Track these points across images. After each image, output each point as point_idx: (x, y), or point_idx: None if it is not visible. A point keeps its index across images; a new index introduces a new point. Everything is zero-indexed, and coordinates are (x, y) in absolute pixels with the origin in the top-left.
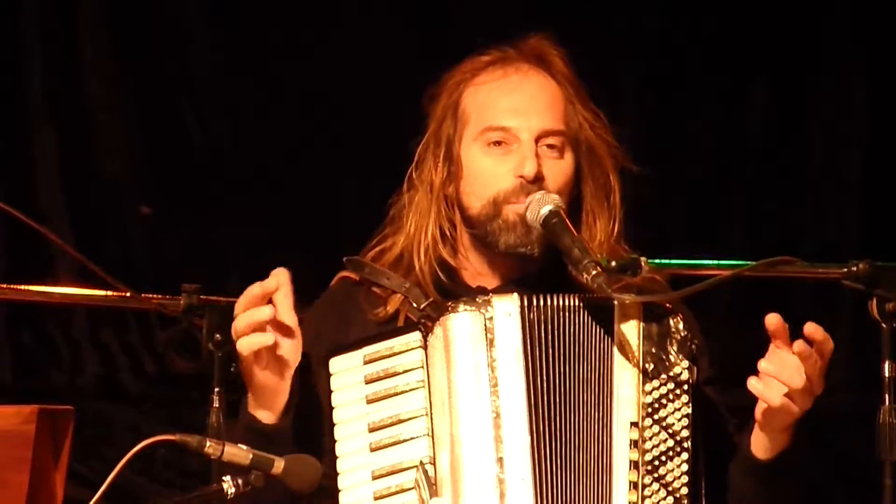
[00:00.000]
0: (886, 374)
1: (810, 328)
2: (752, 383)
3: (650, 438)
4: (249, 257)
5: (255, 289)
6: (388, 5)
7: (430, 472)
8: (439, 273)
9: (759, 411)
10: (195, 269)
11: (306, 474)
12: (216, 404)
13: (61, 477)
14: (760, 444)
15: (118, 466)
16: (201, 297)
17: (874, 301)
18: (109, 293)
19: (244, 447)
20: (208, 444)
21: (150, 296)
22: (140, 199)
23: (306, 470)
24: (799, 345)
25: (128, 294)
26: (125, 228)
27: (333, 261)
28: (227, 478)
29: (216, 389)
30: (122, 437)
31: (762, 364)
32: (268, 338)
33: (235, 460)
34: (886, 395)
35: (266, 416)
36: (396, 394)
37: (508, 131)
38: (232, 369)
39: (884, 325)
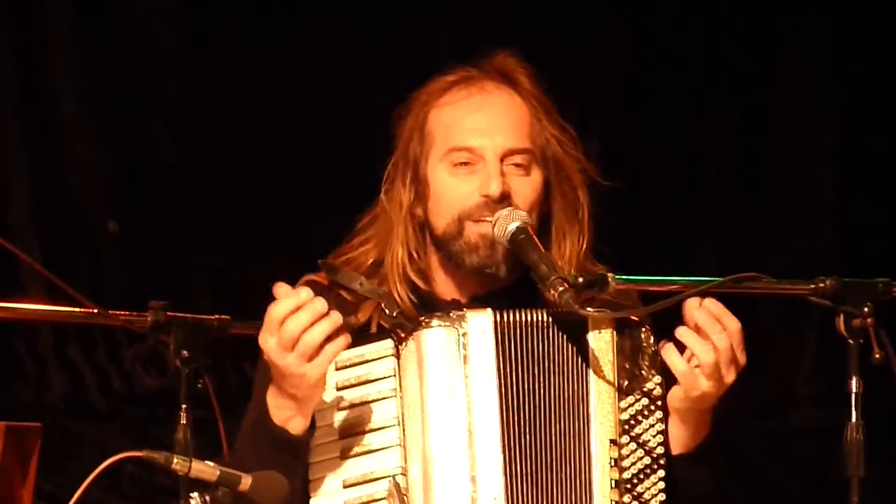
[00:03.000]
0: (853, 391)
1: (707, 302)
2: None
3: (628, 456)
4: (216, 274)
5: (293, 304)
6: (359, 21)
7: (402, 484)
8: (409, 294)
9: (675, 399)
10: (162, 286)
11: (273, 491)
12: (183, 421)
13: (28, 494)
14: (678, 439)
15: (85, 483)
16: (168, 313)
17: (841, 317)
18: (76, 310)
19: (211, 464)
20: (175, 460)
21: (117, 312)
22: (108, 215)
23: (273, 486)
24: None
25: (94, 310)
26: (92, 245)
27: (304, 275)
28: (195, 494)
29: (183, 406)
30: (89, 454)
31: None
32: (340, 341)
33: (203, 476)
34: (853, 412)
35: (298, 425)
36: (368, 402)
37: (473, 151)
38: (199, 386)
39: (850, 342)
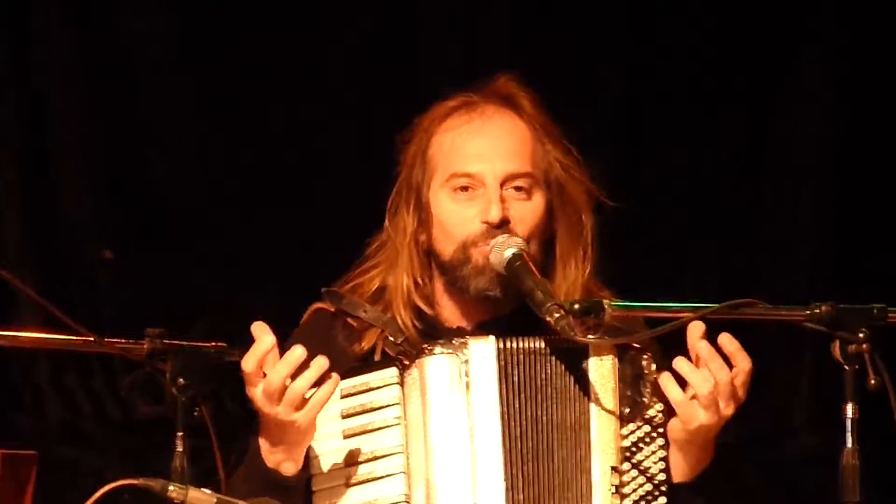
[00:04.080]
0: (849, 416)
1: (723, 338)
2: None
3: (630, 483)
4: (214, 301)
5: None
6: (354, 43)
7: None
8: (414, 320)
9: (674, 430)
10: (159, 313)
11: None
12: (179, 449)
13: None
14: (678, 468)
15: None
16: (165, 341)
17: (836, 343)
18: (73, 338)
19: (207, 491)
20: (172, 488)
21: (114, 340)
22: (103, 243)
23: None
24: (700, 347)
25: (91, 338)
26: (88, 273)
27: (301, 303)
28: None
29: (179, 434)
30: (86, 482)
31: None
32: (326, 391)
33: None
34: (849, 437)
35: (290, 468)
36: (373, 430)
37: (473, 177)
38: (195, 413)
39: (846, 367)
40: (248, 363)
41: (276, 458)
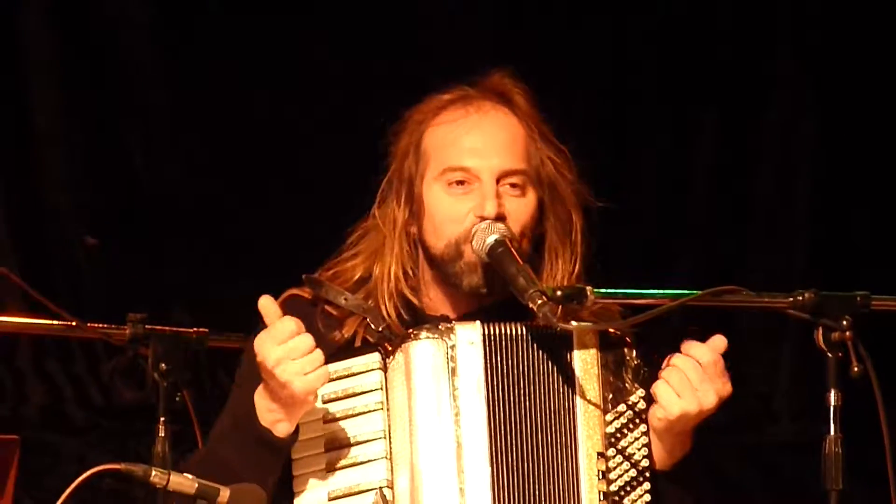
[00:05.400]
0: (832, 404)
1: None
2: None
3: (615, 468)
4: (194, 287)
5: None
6: (340, 35)
7: (389, 496)
8: (401, 310)
9: (653, 418)
10: (140, 299)
11: (252, 503)
12: (161, 434)
13: None
14: (656, 456)
15: (63, 496)
16: (147, 326)
17: (819, 330)
18: (54, 322)
19: (189, 476)
20: (154, 473)
21: (96, 325)
22: (86, 229)
23: (251, 499)
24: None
25: (73, 323)
26: (70, 258)
27: (281, 291)
28: None
29: (161, 419)
30: (68, 467)
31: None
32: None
33: (181, 489)
34: (832, 425)
35: (284, 428)
36: (354, 415)
37: (469, 171)
38: (177, 399)
39: (829, 355)
40: (290, 325)
41: (272, 417)
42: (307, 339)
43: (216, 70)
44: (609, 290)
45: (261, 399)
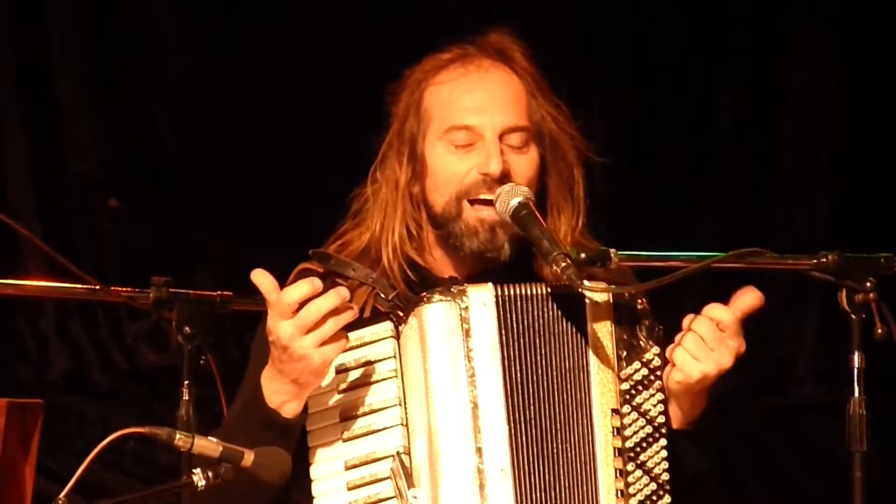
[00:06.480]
0: (856, 366)
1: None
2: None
3: (630, 425)
4: (218, 251)
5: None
6: (371, 7)
7: (406, 462)
8: (407, 270)
9: (669, 379)
10: (164, 262)
11: (276, 466)
12: (185, 397)
13: (31, 470)
14: (673, 416)
15: (88, 459)
16: (171, 289)
17: (843, 292)
18: (78, 286)
19: (213, 440)
20: (178, 436)
21: (119, 289)
22: (109, 193)
23: (276, 462)
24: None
25: (97, 287)
26: (94, 222)
27: (302, 255)
28: (197, 470)
29: (185, 382)
30: (92, 431)
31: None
32: (339, 341)
33: (205, 453)
34: (856, 387)
35: (292, 408)
36: (368, 384)
37: (472, 129)
38: (201, 362)
39: (853, 317)
40: (292, 295)
41: (279, 398)
42: (316, 307)
43: (238, 36)
44: (633, 252)
45: (268, 381)
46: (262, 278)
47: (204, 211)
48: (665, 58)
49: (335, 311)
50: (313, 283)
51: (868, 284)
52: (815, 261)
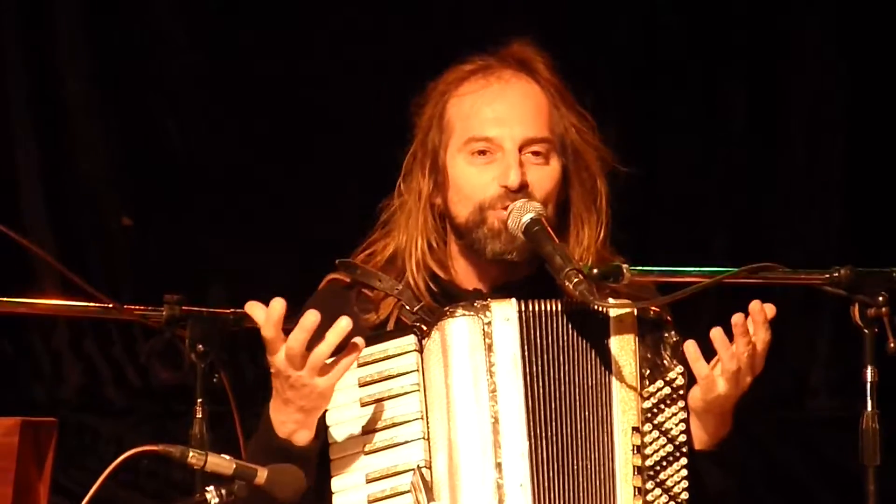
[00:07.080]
0: (868, 380)
1: (754, 306)
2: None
3: (651, 444)
4: (231, 267)
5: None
6: (371, 7)
7: (427, 476)
8: (430, 283)
9: (693, 399)
10: (177, 280)
11: (289, 484)
12: (199, 415)
13: (45, 489)
14: (697, 437)
15: (102, 477)
16: (183, 307)
17: (856, 307)
18: (92, 304)
19: (227, 457)
20: (191, 454)
21: (133, 307)
22: (122, 210)
23: (289, 480)
24: (738, 324)
25: (110, 305)
26: (107, 240)
27: (318, 268)
28: (211, 488)
29: (199, 400)
30: (106, 448)
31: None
32: (350, 356)
33: (219, 470)
34: (869, 401)
35: (303, 437)
36: (391, 397)
37: (492, 141)
38: (215, 380)
39: (865, 331)
40: (268, 329)
41: (288, 428)
42: (296, 343)
43: (249, 40)
44: (645, 268)
45: (275, 413)
46: (256, 311)
47: (219, 225)
48: (672, 68)
49: (328, 336)
50: (315, 316)
51: (880, 299)
52: (827, 275)
